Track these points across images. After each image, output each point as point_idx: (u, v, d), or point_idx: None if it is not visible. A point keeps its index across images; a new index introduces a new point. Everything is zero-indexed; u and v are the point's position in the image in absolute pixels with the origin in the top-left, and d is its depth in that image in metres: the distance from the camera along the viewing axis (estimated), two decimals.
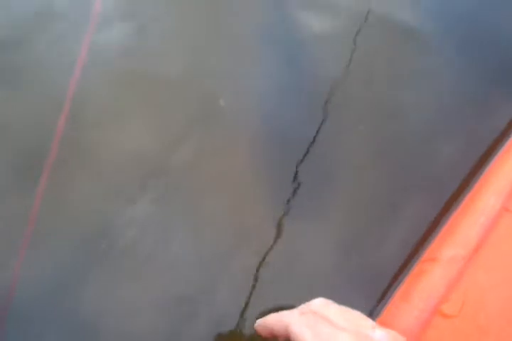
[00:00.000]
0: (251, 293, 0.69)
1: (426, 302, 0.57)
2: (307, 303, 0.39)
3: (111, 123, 0.79)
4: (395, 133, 0.79)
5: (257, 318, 0.62)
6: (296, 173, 0.76)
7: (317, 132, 0.78)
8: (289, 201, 0.75)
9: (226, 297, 0.69)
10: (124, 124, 0.79)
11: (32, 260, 0.70)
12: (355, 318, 0.37)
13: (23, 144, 0.76)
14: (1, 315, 0.67)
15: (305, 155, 0.77)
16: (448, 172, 0.75)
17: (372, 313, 0.68)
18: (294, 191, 0.75)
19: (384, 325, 0.59)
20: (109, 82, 0.81)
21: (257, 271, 0.71)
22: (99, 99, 0.80)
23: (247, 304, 0.68)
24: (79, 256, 0.70)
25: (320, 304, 0.38)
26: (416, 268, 0.64)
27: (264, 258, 0.72)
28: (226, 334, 0.67)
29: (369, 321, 0.36)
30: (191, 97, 0.80)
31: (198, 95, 0.80)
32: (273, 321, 0.38)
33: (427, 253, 0.65)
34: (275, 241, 0.72)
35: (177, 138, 0.78)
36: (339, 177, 0.76)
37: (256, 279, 0.70)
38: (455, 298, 0.57)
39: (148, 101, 0.80)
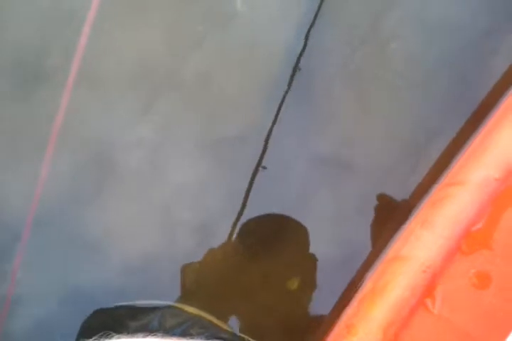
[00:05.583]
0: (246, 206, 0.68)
1: (452, 231, 0.49)
2: None
3: (115, 25, 0.68)
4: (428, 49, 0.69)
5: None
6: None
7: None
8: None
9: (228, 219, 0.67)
10: (131, 28, 0.69)
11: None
12: None
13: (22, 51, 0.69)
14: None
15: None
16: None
17: (382, 245, 0.61)
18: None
19: (401, 256, 0.52)
20: None
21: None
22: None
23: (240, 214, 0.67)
24: (84, 175, 0.68)
25: None
26: (438, 193, 0.55)
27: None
28: (220, 246, 0.68)
29: None
30: None
31: None
32: None
33: (452, 175, 0.56)
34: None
35: (189, 44, 0.68)
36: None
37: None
38: (485, 226, 0.49)
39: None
